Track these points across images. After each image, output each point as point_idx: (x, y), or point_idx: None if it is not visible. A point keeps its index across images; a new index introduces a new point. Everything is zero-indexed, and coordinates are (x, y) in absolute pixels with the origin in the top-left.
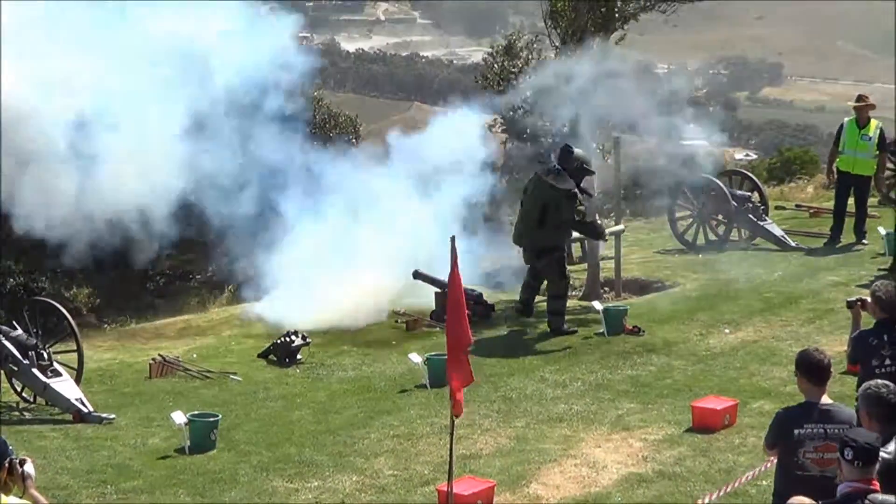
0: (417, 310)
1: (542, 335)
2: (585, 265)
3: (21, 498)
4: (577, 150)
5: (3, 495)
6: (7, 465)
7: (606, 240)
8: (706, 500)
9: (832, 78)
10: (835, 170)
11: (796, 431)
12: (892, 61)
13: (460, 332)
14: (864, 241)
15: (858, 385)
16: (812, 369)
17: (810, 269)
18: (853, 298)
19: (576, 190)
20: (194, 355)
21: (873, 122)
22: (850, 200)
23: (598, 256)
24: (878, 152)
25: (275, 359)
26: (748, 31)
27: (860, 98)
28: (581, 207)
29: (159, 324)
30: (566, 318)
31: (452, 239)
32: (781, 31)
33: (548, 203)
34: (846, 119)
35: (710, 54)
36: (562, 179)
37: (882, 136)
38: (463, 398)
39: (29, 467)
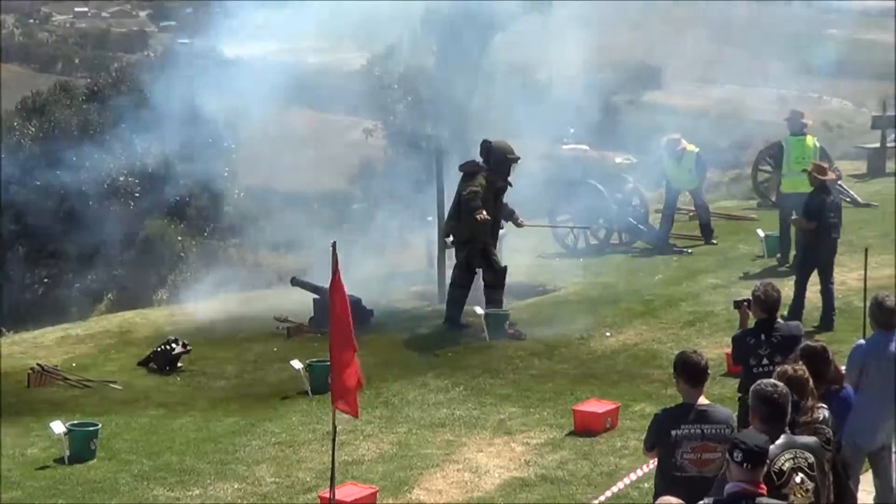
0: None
1: (425, 340)
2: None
3: None
4: (496, 142)
5: None
6: None
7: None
8: None
9: (715, 82)
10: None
11: (674, 433)
12: (763, 63)
13: (347, 338)
14: (713, 240)
15: (740, 385)
16: (689, 371)
17: (690, 272)
18: (740, 298)
19: (471, 171)
20: (74, 364)
21: (690, 151)
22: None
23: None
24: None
25: (155, 367)
26: (631, 35)
27: (671, 140)
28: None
29: (38, 333)
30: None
31: (333, 245)
32: (665, 35)
33: (460, 196)
34: (665, 154)
35: (592, 59)
36: (474, 165)
37: (700, 161)
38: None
39: None
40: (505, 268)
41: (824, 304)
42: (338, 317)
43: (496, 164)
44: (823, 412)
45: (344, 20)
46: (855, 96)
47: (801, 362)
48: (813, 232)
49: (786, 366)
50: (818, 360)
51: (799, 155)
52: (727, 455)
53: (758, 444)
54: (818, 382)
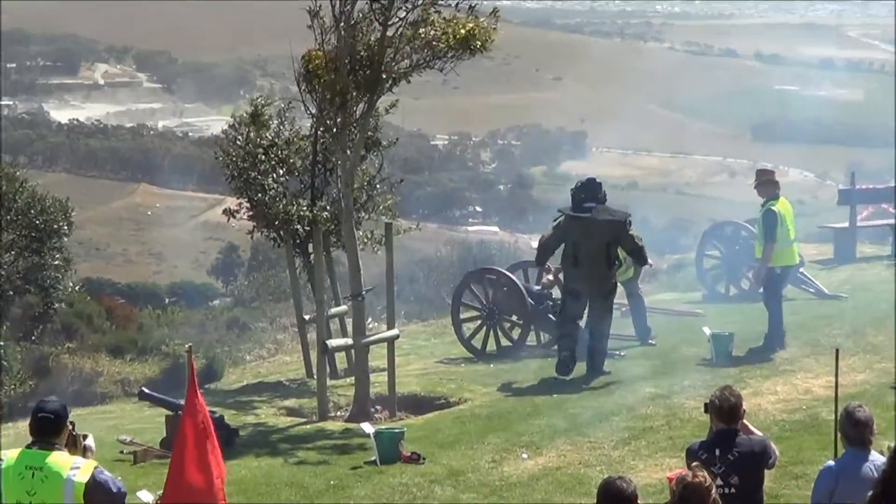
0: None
1: (302, 465)
2: (351, 379)
3: None
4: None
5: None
6: (71, 435)
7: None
8: None
9: (644, 149)
10: None
11: None
12: (709, 127)
13: (213, 464)
14: (651, 340)
15: None
16: (612, 501)
17: (624, 380)
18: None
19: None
20: None
21: None
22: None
23: (368, 367)
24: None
25: None
26: (544, 94)
27: None
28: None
29: None
30: None
31: (189, 350)
32: (583, 94)
33: (610, 240)
34: None
35: (499, 122)
36: (611, 211)
37: None
38: None
39: (90, 441)
40: None
41: None
42: (188, 436)
43: (604, 200)
44: None
45: (200, 77)
46: (816, 165)
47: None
48: None
49: (686, 472)
50: None
51: (789, 220)
52: None
53: None
54: None
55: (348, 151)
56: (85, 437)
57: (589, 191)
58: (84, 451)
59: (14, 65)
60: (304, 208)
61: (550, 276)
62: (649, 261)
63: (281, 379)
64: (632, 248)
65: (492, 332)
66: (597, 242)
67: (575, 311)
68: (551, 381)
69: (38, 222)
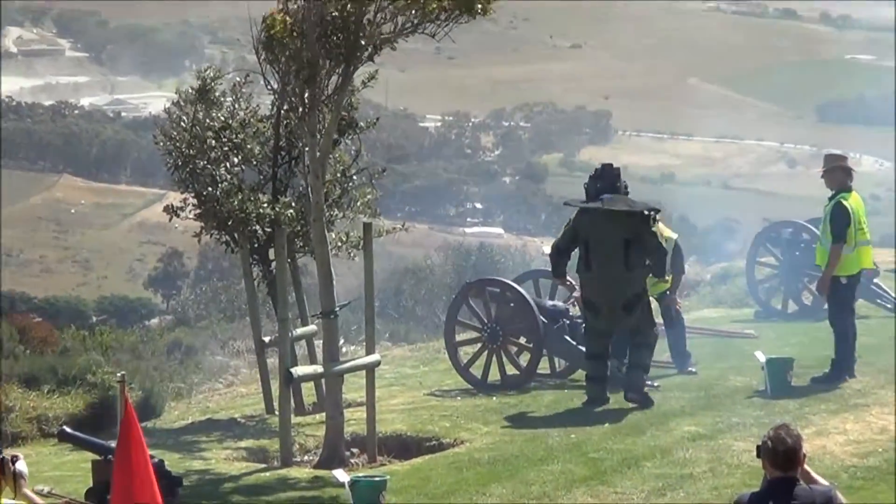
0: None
1: None
2: (321, 415)
3: (14, 498)
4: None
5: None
6: None
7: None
8: None
9: (684, 134)
10: None
11: None
12: (764, 105)
13: None
14: (692, 367)
15: None
16: None
17: (657, 416)
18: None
19: (653, 209)
20: None
21: (667, 240)
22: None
23: (342, 401)
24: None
25: None
26: (559, 66)
27: None
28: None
29: None
30: None
31: (122, 379)
32: (607, 65)
33: (628, 237)
34: None
35: (504, 100)
36: (629, 201)
37: (678, 253)
38: None
39: (21, 465)
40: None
41: None
42: (125, 485)
43: (626, 190)
44: None
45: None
46: (890, 151)
47: None
48: None
49: None
50: None
51: (862, 217)
52: None
53: None
54: None
55: (318, 135)
56: (15, 459)
57: (605, 180)
58: (15, 479)
59: None
60: (265, 205)
61: (577, 290)
62: (665, 276)
63: (235, 415)
64: (652, 247)
65: (495, 358)
66: (611, 239)
67: (598, 327)
68: (567, 418)
69: None
